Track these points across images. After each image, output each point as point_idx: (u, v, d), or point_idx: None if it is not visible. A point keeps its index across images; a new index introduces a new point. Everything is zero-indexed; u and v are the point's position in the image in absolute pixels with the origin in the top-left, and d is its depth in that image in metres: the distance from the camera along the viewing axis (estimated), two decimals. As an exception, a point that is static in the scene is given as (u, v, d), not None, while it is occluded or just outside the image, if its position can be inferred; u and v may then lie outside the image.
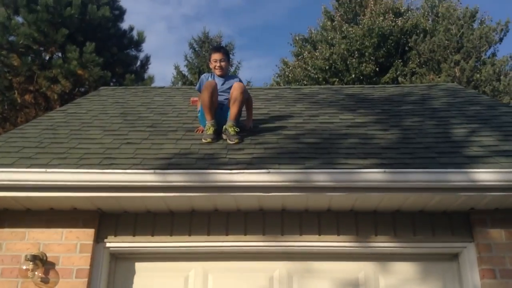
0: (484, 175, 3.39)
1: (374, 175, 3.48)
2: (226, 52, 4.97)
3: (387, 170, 3.49)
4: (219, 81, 4.80)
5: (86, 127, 5.01)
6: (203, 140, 4.43)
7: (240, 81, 4.80)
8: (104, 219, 3.92)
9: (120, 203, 3.78)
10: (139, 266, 3.99)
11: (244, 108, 4.82)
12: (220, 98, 4.70)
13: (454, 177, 3.40)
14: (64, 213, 3.86)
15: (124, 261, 4.00)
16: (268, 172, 3.54)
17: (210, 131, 4.46)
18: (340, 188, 3.52)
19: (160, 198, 3.64)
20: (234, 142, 4.34)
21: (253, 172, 3.56)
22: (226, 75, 4.93)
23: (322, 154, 4.00)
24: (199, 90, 4.81)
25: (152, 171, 3.56)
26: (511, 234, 3.68)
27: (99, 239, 3.86)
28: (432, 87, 7.25)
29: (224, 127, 4.51)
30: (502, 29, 19.09)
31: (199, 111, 4.84)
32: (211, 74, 4.92)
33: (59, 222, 3.84)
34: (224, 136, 4.50)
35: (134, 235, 3.89)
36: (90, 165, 3.73)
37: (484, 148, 4.01)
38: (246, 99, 4.73)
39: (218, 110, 4.64)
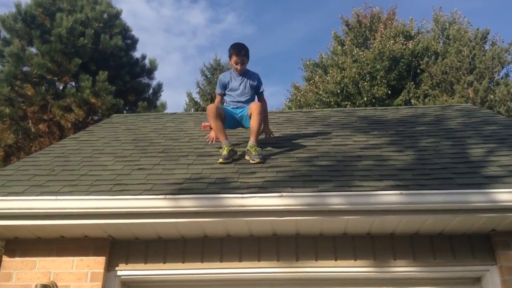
0: (505, 195, 3.27)
1: (391, 197, 3.39)
2: (246, 53, 5.10)
3: (403, 191, 3.40)
4: (237, 79, 5.13)
5: (97, 154, 5.00)
6: (218, 161, 4.53)
7: (259, 79, 5.14)
8: (115, 247, 3.87)
9: (131, 230, 3.72)
10: (151, 294, 3.91)
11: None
12: (235, 98, 5.10)
13: (474, 197, 3.29)
14: (75, 241, 3.82)
15: (135, 290, 3.92)
16: (281, 196, 3.47)
17: (225, 151, 4.58)
18: (356, 211, 3.44)
19: (171, 224, 3.58)
20: (256, 162, 4.41)
21: (265, 196, 3.50)
22: (245, 73, 5.16)
23: (336, 177, 3.93)
24: (219, 92, 5.26)
25: (163, 196, 3.51)
26: (536, 257, 3.54)
27: (110, 267, 3.80)
28: (446, 108, 7.15)
29: (247, 148, 4.63)
30: (514, 49, 18.95)
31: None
32: (230, 72, 5.26)
33: (70, 250, 3.80)
34: (246, 157, 4.59)
35: (145, 263, 3.82)
36: (100, 192, 3.69)
37: (503, 168, 3.90)
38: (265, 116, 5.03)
39: (230, 116, 4.98)
